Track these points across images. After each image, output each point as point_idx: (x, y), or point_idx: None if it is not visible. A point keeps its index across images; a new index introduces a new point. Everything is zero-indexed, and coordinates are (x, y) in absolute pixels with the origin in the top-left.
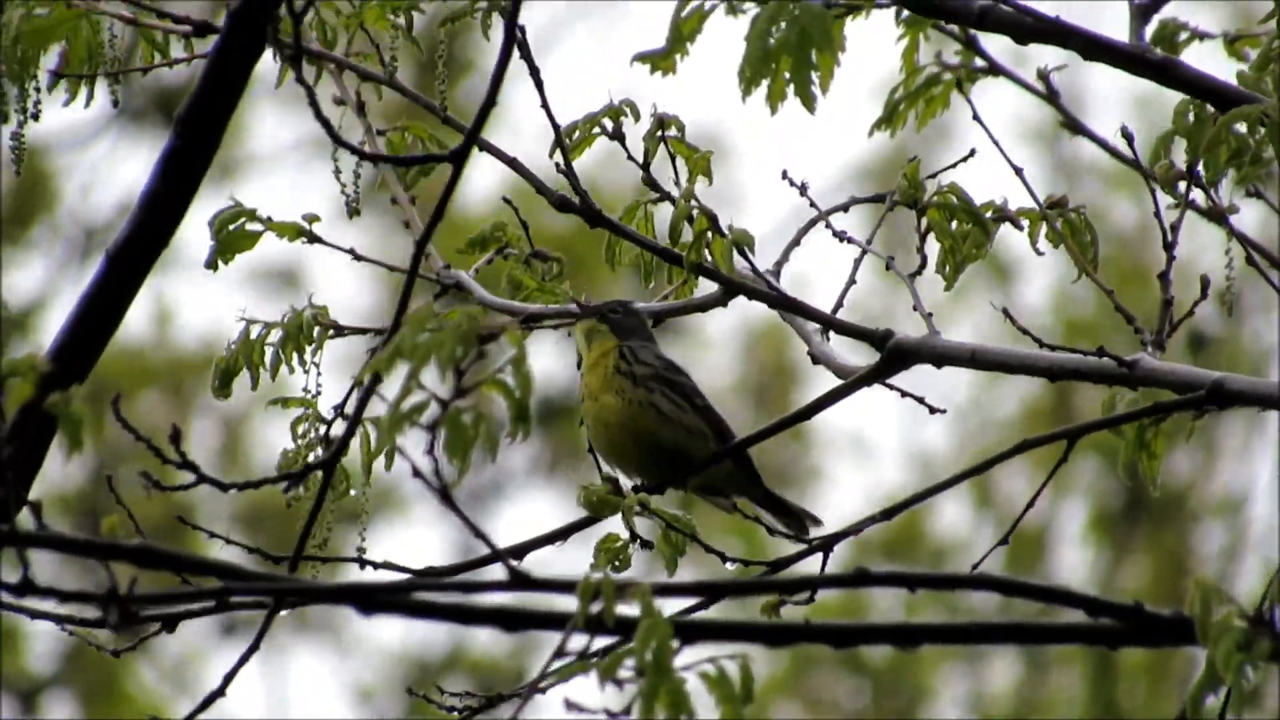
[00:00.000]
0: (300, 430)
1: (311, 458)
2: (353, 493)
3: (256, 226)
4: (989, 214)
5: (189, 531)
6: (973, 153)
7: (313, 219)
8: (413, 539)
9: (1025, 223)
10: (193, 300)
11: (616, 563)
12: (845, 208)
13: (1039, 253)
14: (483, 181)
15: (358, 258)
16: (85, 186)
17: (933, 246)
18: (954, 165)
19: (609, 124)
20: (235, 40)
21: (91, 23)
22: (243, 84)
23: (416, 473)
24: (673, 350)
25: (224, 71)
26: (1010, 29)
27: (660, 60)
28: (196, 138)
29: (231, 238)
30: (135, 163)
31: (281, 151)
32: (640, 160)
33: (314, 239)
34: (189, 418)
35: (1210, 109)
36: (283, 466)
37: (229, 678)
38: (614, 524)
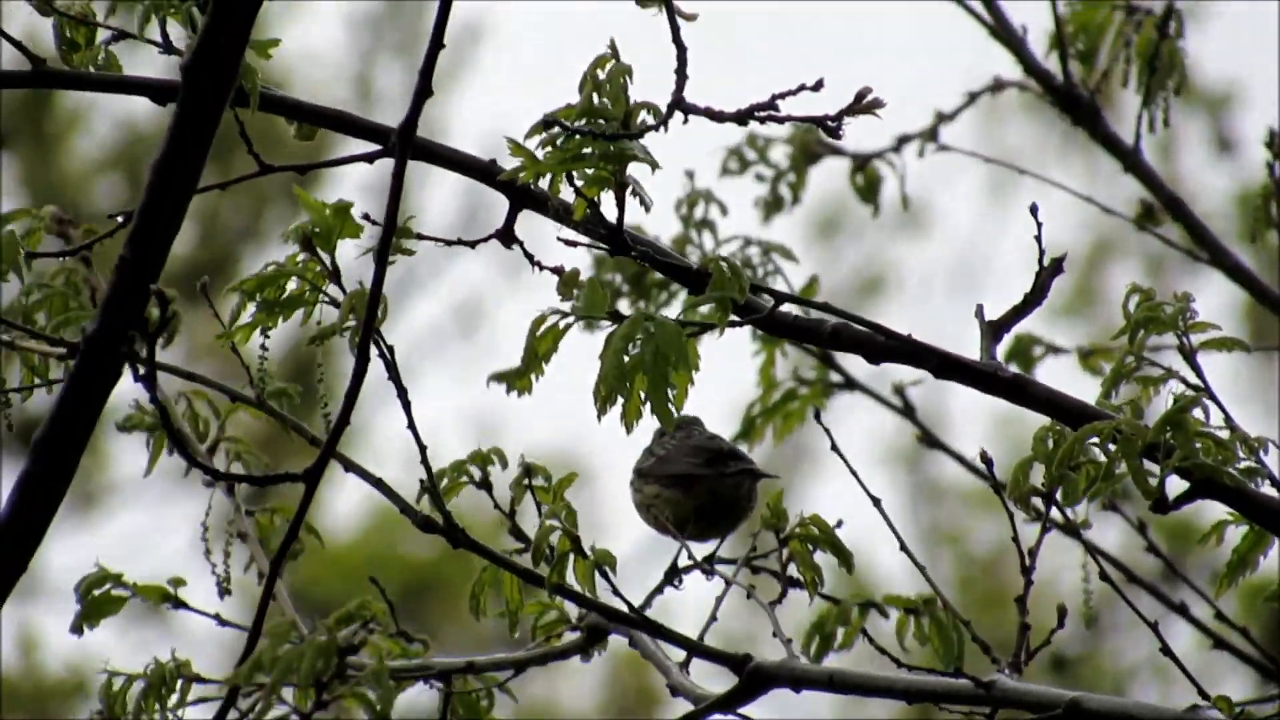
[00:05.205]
0: None
1: None
2: None
3: (123, 591)
4: (856, 603)
5: None
6: (839, 523)
7: (178, 582)
8: None
9: (893, 613)
10: (59, 626)
11: None
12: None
13: (904, 649)
14: (345, 507)
15: (223, 623)
16: None
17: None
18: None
19: (476, 471)
20: (91, 365)
21: None
22: (99, 409)
23: None
24: (536, 679)
25: (80, 397)
26: (863, 348)
27: (516, 379)
28: (52, 463)
29: (97, 602)
30: None
31: (144, 480)
32: (506, 508)
33: (179, 604)
34: None
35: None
36: None
37: None
38: None
